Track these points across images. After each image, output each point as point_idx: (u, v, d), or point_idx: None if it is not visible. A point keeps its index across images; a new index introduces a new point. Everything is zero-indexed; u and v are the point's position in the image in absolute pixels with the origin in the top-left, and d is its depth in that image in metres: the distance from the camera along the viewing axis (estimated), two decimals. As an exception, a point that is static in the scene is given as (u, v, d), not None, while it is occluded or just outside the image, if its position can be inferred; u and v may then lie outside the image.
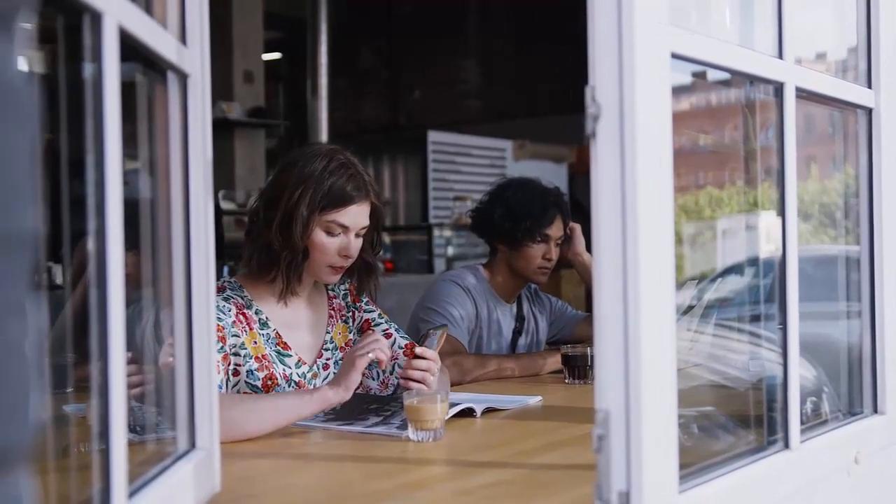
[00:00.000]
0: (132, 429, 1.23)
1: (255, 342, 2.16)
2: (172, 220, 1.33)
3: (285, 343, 2.22)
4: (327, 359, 2.30)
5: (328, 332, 2.33)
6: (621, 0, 1.14)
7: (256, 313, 2.20)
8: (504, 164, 8.13)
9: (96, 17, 0.97)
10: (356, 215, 2.18)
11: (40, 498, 0.60)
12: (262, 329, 2.19)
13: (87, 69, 0.99)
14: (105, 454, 0.99)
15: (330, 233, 2.17)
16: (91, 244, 0.99)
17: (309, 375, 2.24)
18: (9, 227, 0.51)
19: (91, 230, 0.98)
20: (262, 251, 2.18)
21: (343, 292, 2.40)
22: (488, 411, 2.14)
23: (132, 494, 1.07)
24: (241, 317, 2.15)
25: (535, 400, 2.32)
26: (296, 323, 2.27)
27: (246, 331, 2.15)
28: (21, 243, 0.53)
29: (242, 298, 2.20)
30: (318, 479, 1.64)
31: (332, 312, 2.36)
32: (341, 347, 2.33)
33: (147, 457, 1.30)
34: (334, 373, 2.27)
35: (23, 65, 0.54)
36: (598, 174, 1.16)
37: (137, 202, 1.29)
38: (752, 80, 1.52)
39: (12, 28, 0.52)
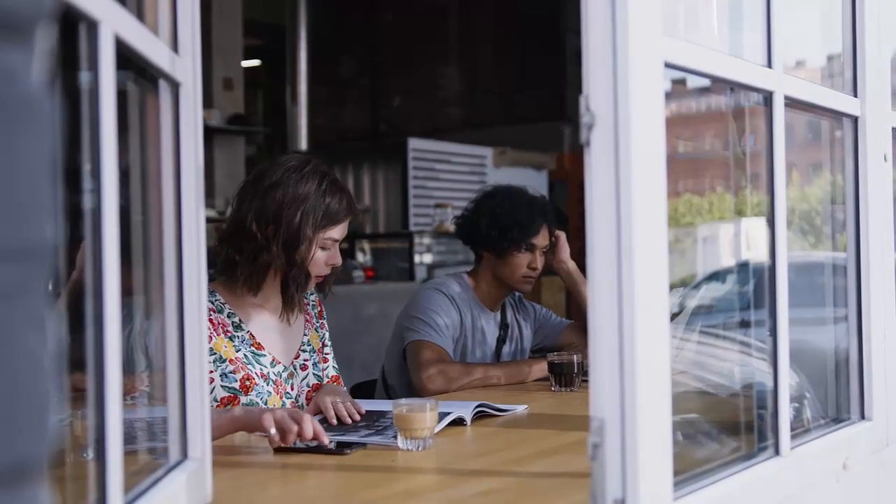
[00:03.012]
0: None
1: (226, 346, 2.20)
2: (164, 229, 1.32)
3: (259, 343, 2.26)
4: (305, 360, 2.37)
5: (305, 335, 2.39)
6: (616, 10, 1.14)
7: (229, 316, 2.25)
8: (484, 172, 8.12)
9: (93, 26, 0.96)
10: (345, 228, 2.29)
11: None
12: (236, 331, 2.24)
13: (83, 77, 0.98)
14: (101, 465, 0.98)
15: (324, 248, 2.26)
16: (87, 253, 0.98)
17: (285, 375, 2.29)
18: (28, 238, 0.51)
19: (87, 238, 0.97)
20: (261, 270, 2.22)
21: (312, 303, 2.47)
22: (479, 416, 2.15)
23: (127, 506, 1.06)
24: (208, 322, 2.17)
25: (521, 408, 2.32)
26: (272, 325, 2.32)
27: (215, 336, 2.19)
28: (40, 255, 0.52)
29: (213, 303, 2.23)
30: (309, 489, 1.63)
31: (308, 317, 2.43)
32: (318, 351, 2.40)
33: (139, 467, 1.29)
34: (313, 373, 2.36)
35: (41, 75, 0.54)
36: (593, 182, 1.16)
37: (128, 210, 1.28)
38: (743, 88, 1.54)
39: (31, 40, 0.52)
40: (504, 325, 3.10)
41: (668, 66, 1.23)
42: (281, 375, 2.27)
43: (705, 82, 1.54)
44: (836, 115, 1.80)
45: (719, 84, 1.55)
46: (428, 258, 7.34)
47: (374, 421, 2.10)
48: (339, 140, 10.04)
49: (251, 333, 2.25)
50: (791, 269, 1.55)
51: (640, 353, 1.14)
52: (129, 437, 1.30)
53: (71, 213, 0.99)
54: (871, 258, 1.79)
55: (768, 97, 1.50)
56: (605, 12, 1.15)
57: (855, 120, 1.79)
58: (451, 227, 3.29)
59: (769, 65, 1.50)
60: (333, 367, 2.47)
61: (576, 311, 3.51)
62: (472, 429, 2.08)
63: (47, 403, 0.53)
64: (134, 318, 1.40)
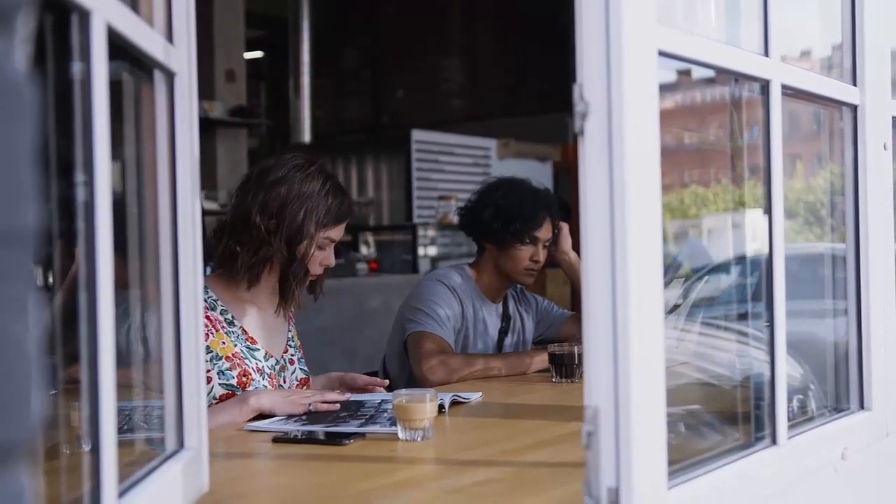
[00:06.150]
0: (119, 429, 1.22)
1: (224, 342, 2.23)
2: (160, 221, 1.32)
3: (252, 338, 2.29)
4: (291, 355, 2.41)
5: (290, 331, 2.44)
6: (609, -2, 1.14)
7: (221, 313, 2.27)
8: (488, 163, 8.12)
9: (84, 16, 0.96)
10: (342, 230, 2.33)
11: (37, 496, 0.60)
12: (230, 327, 2.26)
13: (75, 68, 0.98)
14: (95, 455, 0.98)
15: (321, 247, 2.28)
16: (80, 245, 0.98)
17: (277, 368, 2.33)
18: (12, 223, 0.51)
19: (80, 231, 0.98)
20: (262, 263, 2.25)
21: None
22: (454, 404, 2.19)
23: (121, 494, 1.07)
24: (205, 320, 2.18)
25: (477, 396, 2.34)
26: (261, 320, 2.34)
27: (213, 332, 2.21)
28: (23, 240, 0.53)
29: (206, 300, 2.24)
30: (306, 479, 1.64)
31: (291, 314, 2.46)
32: (299, 346, 2.46)
33: (135, 457, 1.29)
34: (300, 368, 2.41)
35: (22, 63, 0.54)
36: (586, 172, 1.16)
37: (123, 202, 1.28)
38: (739, 77, 1.53)
39: (12, 26, 0.52)
40: (506, 317, 3.10)
41: (663, 54, 1.23)
42: (274, 369, 2.32)
43: (710, 73, 1.53)
44: (836, 105, 1.79)
45: (722, 75, 1.55)
46: (432, 250, 7.34)
47: (355, 411, 2.10)
48: (341, 132, 10.05)
49: (243, 329, 2.28)
50: (795, 261, 1.55)
51: (634, 340, 1.14)
52: (126, 427, 1.31)
53: (71, 207, 0.99)
54: (870, 248, 1.78)
55: (765, 86, 1.49)
56: (599, 0, 1.14)
57: (854, 109, 1.79)
58: (455, 219, 3.28)
59: (766, 53, 1.49)
60: (302, 369, 2.49)
61: (579, 302, 3.51)
62: (470, 419, 2.08)
63: (30, 389, 0.54)
64: (133, 311, 1.41)
